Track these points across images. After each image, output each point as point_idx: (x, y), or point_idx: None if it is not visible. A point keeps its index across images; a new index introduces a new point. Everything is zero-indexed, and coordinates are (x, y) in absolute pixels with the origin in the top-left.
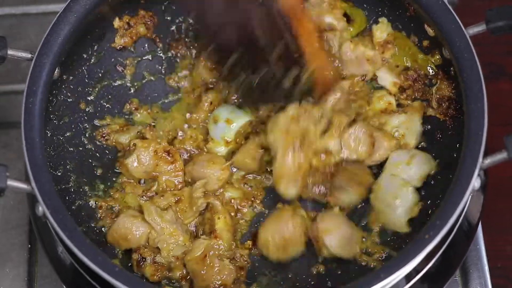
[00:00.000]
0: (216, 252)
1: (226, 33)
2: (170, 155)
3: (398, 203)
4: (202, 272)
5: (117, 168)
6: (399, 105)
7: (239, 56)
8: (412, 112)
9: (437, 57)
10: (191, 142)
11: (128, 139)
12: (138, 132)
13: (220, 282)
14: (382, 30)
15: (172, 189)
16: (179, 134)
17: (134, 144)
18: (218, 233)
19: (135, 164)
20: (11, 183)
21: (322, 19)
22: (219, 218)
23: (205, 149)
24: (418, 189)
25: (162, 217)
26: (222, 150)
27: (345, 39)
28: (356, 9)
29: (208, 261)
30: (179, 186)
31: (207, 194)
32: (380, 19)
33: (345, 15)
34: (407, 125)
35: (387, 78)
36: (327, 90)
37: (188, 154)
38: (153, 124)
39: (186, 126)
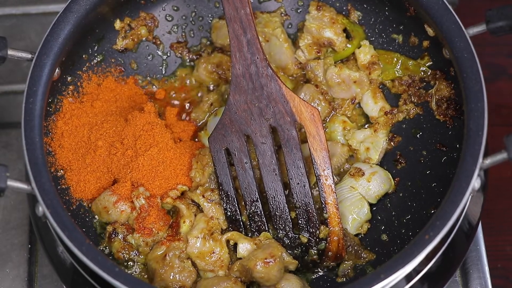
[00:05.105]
0: (177, 253)
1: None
2: None
3: (350, 217)
4: (161, 271)
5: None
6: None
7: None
8: (377, 128)
9: (427, 58)
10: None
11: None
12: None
13: (179, 283)
14: (365, 52)
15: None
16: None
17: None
18: (182, 236)
19: None
20: (11, 183)
21: (322, 33)
22: (184, 222)
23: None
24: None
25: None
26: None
27: (329, 64)
28: (356, 26)
29: (168, 261)
30: None
31: (182, 196)
32: (362, 43)
33: (345, 31)
34: (372, 140)
35: (370, 104)
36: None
37: None
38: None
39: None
